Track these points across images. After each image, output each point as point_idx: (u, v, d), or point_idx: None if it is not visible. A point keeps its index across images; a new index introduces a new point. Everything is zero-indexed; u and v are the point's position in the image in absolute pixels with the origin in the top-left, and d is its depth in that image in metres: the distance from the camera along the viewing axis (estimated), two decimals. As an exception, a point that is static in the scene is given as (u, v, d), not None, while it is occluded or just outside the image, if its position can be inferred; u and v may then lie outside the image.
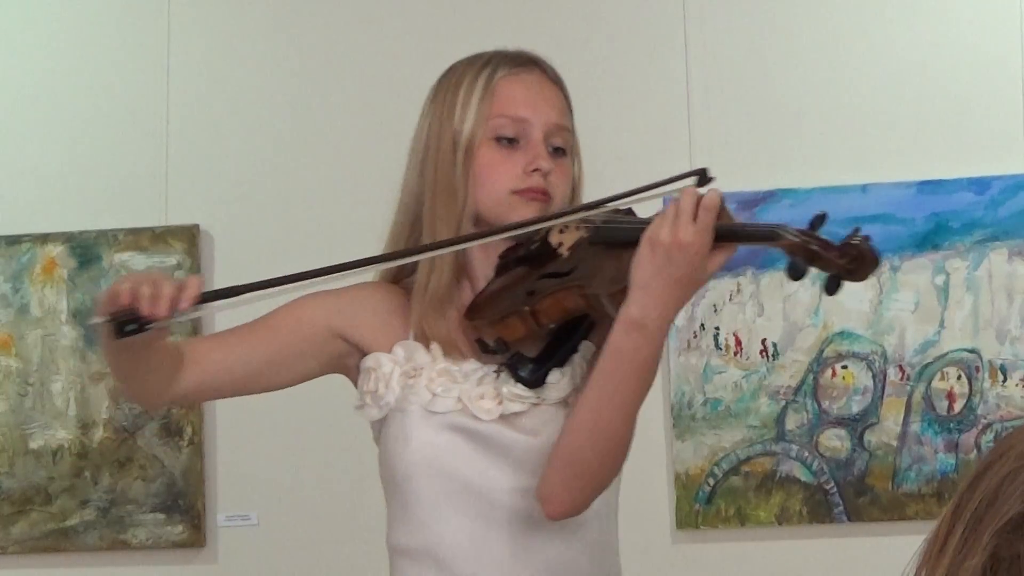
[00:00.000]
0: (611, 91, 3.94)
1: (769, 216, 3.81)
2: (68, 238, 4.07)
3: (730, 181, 3.84)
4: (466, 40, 4.06)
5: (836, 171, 3.88)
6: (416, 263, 2.18)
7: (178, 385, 2.11)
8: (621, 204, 2.10)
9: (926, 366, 3.81)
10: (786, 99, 3.92)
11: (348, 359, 2.18)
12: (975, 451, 3.77)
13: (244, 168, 4.09)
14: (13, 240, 4.08)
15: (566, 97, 2.22)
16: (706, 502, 3.84)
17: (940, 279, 3.80)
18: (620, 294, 2.01)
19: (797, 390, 3.83)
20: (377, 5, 4.12)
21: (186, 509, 3.98)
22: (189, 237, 4.04)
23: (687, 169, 2.10)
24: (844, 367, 3.83)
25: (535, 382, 2.10)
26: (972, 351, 3.80)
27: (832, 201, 3.83)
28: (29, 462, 4.03)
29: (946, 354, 3.80)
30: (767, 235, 1.97)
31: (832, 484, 3.81)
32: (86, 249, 4.06)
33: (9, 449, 4.04)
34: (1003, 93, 3.87)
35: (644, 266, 1.97)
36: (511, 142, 2.15)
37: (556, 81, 2.22)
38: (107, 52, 4.16)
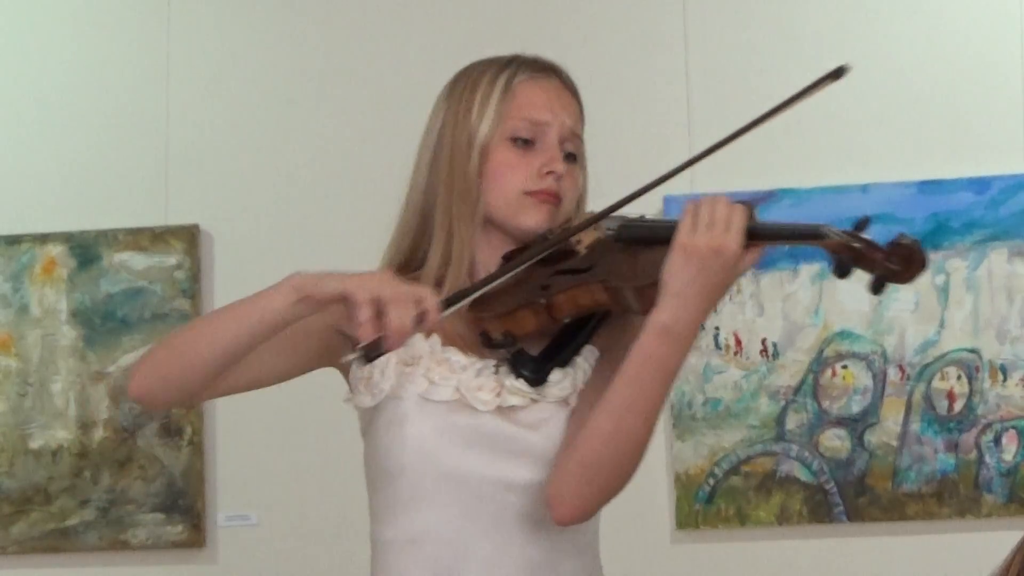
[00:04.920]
0: (611, 91, 3.94)
1: (770, 216, 3.81)
2: (68, 238, 4.07)
3: (730, 181, 3.85)
4: (466, 40, 4.08)
5: (836, 171, 3.88)
6: (426, 254, 2.17)
7: (226, 383, 2.09)
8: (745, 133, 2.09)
9: (926, 366, 3.81)
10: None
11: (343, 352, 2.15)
12: (975, 451, 3.77)
13: (244, 168, 4.09)
14: (13, 240, 4.08)
15: (580, 106, 2.23)
16: (706, 502, 3.84)
17: (940, 279, 3.80)
18: (645, 290, 2.01)
19: (797, 390, 3.83)
20: (377, 5, 4.12)
21: (186, 509, 3.98)
22: (189, 237, 4.04)
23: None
24: (844, 367, 3.83)
25: (537, 380, 2.09)
26: (972, 351, 3.80)
27: (832, 201, 3.83)
28: (29, 462, 4.03)
29: (946, 354, 3.80)
30: (810, 234, 1.97)
31: (832, 484, 3.81)
32: (86, 249, 4.07)
33: (9, 449, 4.04)
34: (1003, 93, 3.87)
35: (677, 274, 1.97)
36: (526, 143, 2.15)
37: (572, 90, 2.23)
38: (107, 52, 4.17)
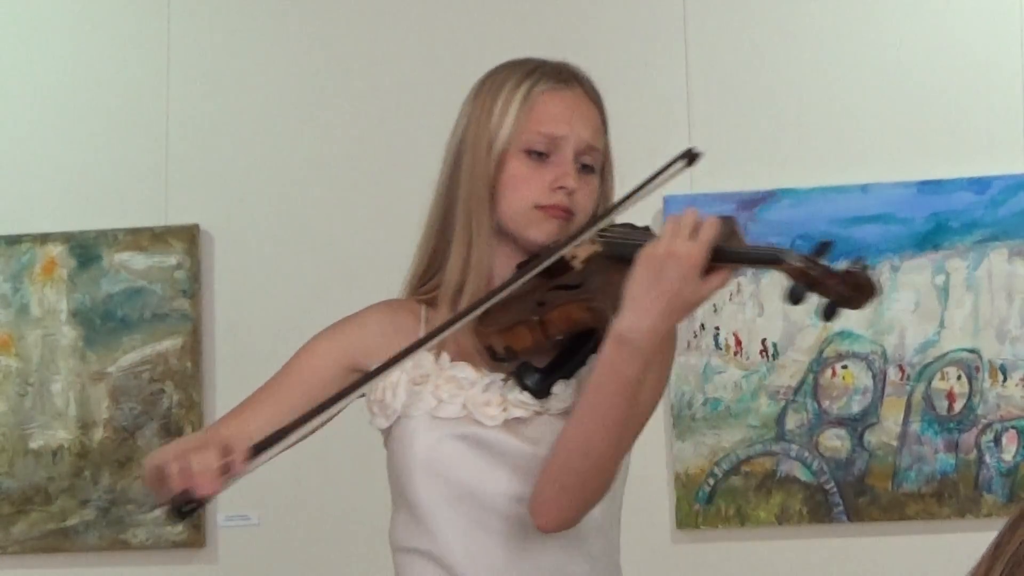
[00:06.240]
0: (611, 91, 3.92)
1: (770, 216, 3.81)
2: (68, 238, 4.07)
3: (730, 181, 3.86)
4: (466, 41, 4.08)
5: (836, 171, 3.88)
6: (443, 268, 2.17)
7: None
8: (621, 209, 2.08)
9: (926, 366, 3.81)
10: (786, 99, 3.92)
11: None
12: (975, 451, 3.77)
13: (244, 168, 4.09)
14: (13, 240, 4.08)
15: (602, 115, 2.23)
16: (706, 502, 3.84)
17: (940, 279, 3.80)
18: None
19: (797, 390, 3.83)
20: (377, 5, 4.12)
21: (186, 509, 3.98)
22: (189, 237, 4.04)
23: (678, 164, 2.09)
24: (844, 367, 3.83)
25: (540, 392, 2.10)
26: (972, 351, 3.79)
27: (832, 201, 3.83)
28: (29, 462, 4.03)
29: (946, 354, 3.80)
30: (769, 258, 1.96)
31: (832, 484, 3.81)
32: (86, 249, 4.06)
33: (9, 449, 4.04)
34: (1003, 93, 3.87)
35: (636, 280, 1.96)
36: (541, 156, 2.15)
37: (594, 100, 2.23)
38: (107, 52, 4.16)
